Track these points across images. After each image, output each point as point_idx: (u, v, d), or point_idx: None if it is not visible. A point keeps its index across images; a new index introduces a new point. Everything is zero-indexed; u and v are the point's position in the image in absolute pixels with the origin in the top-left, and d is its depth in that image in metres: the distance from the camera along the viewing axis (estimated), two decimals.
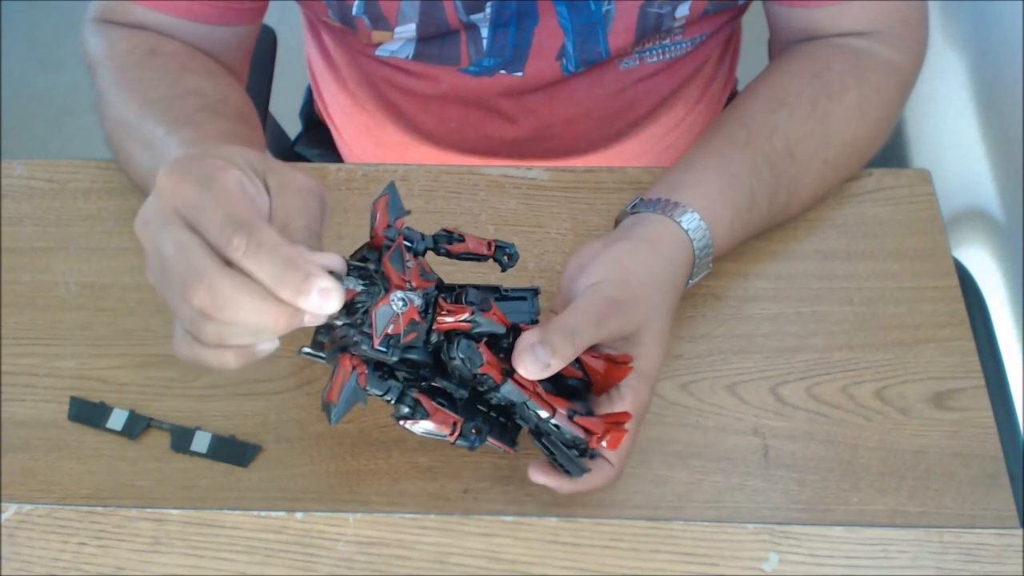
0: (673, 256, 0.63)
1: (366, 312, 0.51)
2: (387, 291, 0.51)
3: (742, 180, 0.67)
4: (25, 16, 2.06)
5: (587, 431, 0.54)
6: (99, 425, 0.65)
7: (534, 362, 0.52)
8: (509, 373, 0.53)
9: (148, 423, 0.65)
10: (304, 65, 1.02)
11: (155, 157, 0.65)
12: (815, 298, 0.70)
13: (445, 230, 0.56)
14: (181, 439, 0.64)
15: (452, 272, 0.68)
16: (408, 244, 0.54)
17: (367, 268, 0.52)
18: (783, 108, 0.70)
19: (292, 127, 1.11)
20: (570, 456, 0.55)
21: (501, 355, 0.54)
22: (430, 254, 0.57)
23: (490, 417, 0.57)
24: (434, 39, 0.79)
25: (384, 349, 0.51)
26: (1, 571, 0.57)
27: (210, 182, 0.49)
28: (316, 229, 0.51)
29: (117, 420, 0.65)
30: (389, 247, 0.52)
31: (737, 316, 0.69)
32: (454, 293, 0.55)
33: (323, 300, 0.47)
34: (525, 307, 0.56)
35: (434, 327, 0.53)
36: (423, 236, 0.55)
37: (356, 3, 0.75)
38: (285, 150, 1.08)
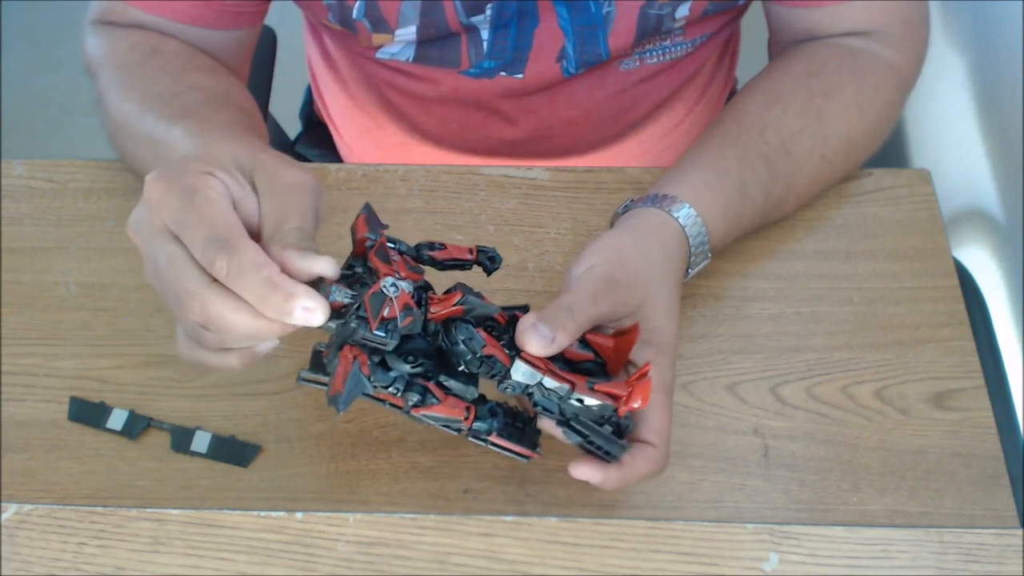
0: (666, 242, 0.63)
1: (360, 305, 0.51)
2: (377, 281, 0.51)
3: (731, 172, 0.67)
4: (25, 16, 2.06)
5: (613, 397, 0.53)
6: (99, 425, 0.65)
7: (539, 338, 0.52)
8: (516, 354, 0.53)
9: (148, 423, 0.65)
10: (304, 65, 1.02)
11: (158, 152, 0.65)
12: (815, 298, 0.70)
13: (426, 241, 0.57)
14: (181, 439, 0.64)
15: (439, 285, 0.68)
16: (391, 244, 0.54)
17: (355, 273, 0.53)
18: (777, 105, 0.70)
19: (292, 127, 1.11)
20: (605, 434, 0.54)
21: (507, 350, 0.54)
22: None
23: (505, 422, 0.56)
24: (434, 41, 0.79)
25: (382, 333, 0.50)
26: (1, 571, 0.57)
27: (192, 195, 0.50)
28: (309, 227, 0.52)
29: (117, 420, 0.65)
30: (372, 247, 0.53)
31: (737, 316, 0.69)
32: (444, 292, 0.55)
33: (307, 316, 0.48)
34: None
35: (428, 317, 0.53)
36: (404, 243, 0.56)
37: (357, 5, 0.75)
38: (285, 150, 1.08)
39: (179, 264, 0.49)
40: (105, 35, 0.75)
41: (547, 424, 0.55)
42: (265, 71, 1.06)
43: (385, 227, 0.55)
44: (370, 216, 0.55)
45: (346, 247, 0.55)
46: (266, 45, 1.07)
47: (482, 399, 0.56)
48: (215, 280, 0.48)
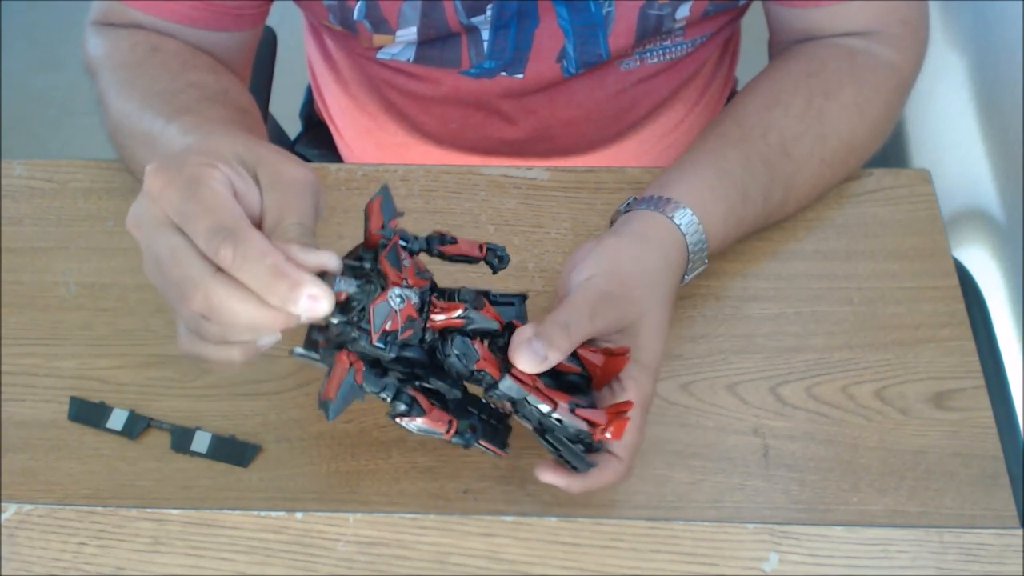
0: (665, 250, 0.63)
1: (363, 310, 0.51)
2: (384, 288, 0.51)
3: (734, 176, 0.67)
4: (25, 16, 2.06)
5: (590, 423, 0.54)
6: (99, 425, 0.65)
7: (531, 356, 0.52)
8: (507, 369, 0.53)
9: (148, 423, 0.65)
10: (304, 65, 1.02)
11: (155, 149, 0.65)
12: (815, 298, 0.70)
13: (438, 232, 0.57)
14: (181, 439, 0.64)
15: (441, 277, 0.68)
16: (403, 244, 0.54)
17: (363, 267, 0.53)
18: (778, 106, 0.70)
19: (292, 127, 1.11)
20: (575, 451, 0.55)
21: (498, 354, 0.54)
22: (423, 255, 0.57)
23: (481, 419, 0.57)
24: (435, 42, 0.79)
25: (382, 345, 0.51)
26: (1, 571, 0.57)
27: (195, 185, 0.49)
28: (309, 223, 0.52)
29: (117, 420, 0.65)
30: (385, 246, 0.53)
31: (737, 316, 0.69)
32: (447, 293, 0.55)
33: (312, 305, 0.48)
34: (513, 312, 0.56)
35: (428, 325, 0.53)
36: (416, 237, 0.56)
37: (358, 7, 0.75)
38: (285, 150, 1.08)
39: (182, 255, 0.49)
40: (105, 35, 0.75)
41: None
42: (265, 71, 1.06)
43: (400, 214, 0.55)
44: (386, 200, 0.55)
45: (346, 247, 0.55)
46: (266, 45, 1.07)
47: (464, 401, 0.56)
48: (219, 270, 0.48)
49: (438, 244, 0.56)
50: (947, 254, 0.71)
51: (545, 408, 0.53)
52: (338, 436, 0.64)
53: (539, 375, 0.54)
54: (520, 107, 0.84)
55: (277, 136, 1.10)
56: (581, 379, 0.57)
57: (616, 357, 0.56)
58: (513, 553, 0.57)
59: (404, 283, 0.51)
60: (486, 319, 0.54)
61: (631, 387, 0.57)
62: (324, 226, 0.73)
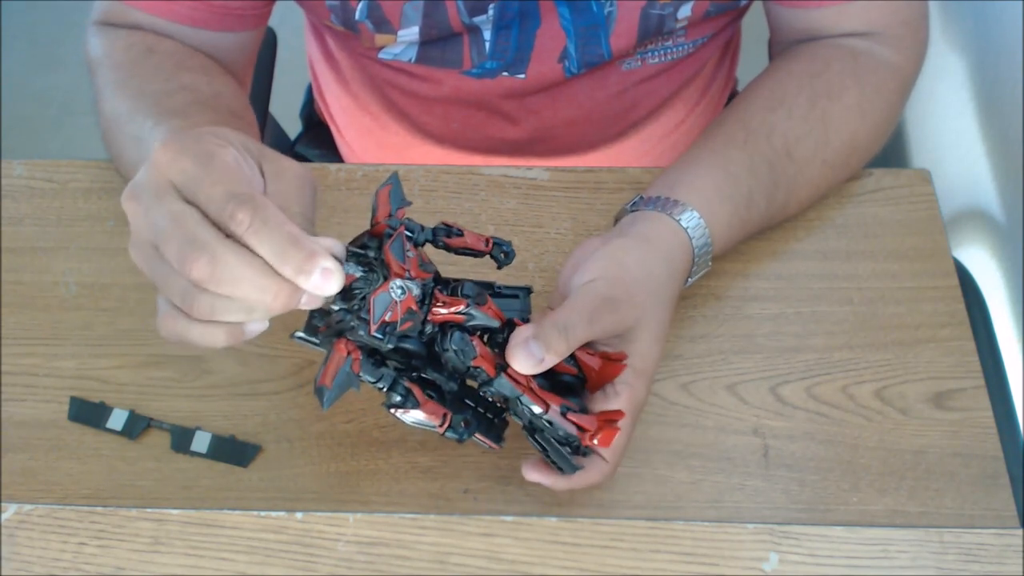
0: (671, 254, 0.63)
1: (364, 298, 0.51)
2: (386, 279, 0.51)
3: (740, 179, 0.67)
4: (25, 16, 2.06)
5: (580, 428, 0.54)
6: (99, 425, 0.65)
7: (528, 357, 0.52)
8: (503, 367, 0.53)
9: (148, 423, 0.65)
10: (304, 65, 1.02)
11: (142, 150, 0.65)
12: (815, 298, 0.70)
13: (445, 224, 0.57)
14: (181, 439, 0.64)
15: (446, 268, 0.68)
16: (409, 234, 0.54)
17: (367, 255, 0.53)
18: (781, 108, 0.70)
19: (292, 127, 1.11)
20: (563, 453, 0.55)
21: (496, 350, 0.54)
22: (428, 247, 0.57)
23: (477, 412, 0.57)
24: (436, 42, 0.79)
25: (380, 336, 0.51)
26: (1, 571, 0.57)
27: (209, 157, 0.49)
28: (311, 216, 0.52)
29: (117, 420, 0.65)
30: (391, 235, 0.53)
31: (737, 316, 0.69)
32: (450, 286, 0.55)
33: (325, 280, 0.47)
34: (517, 305, 0.56)
35: (428, 318, 0.53)
36: (422, 228, 0.56)
37: (360, 7, 0.75)
38: (285, 150, 1.08)
39: (188, 220, 0.47)
40: (104, 35, 0.75)
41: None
42: (265, 71, 1.06)
43: (408, 203, 0.55)
44: (395, 189, 0.54)
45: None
46: (267, 45, 1.07)
47: (460, 393, 0.56)
48: (227, 238, 0.47)
49: (444, 236, 0.56)
50: (947, 254, 0.71)
51: (537, 409, 0.53)
52: (338, 436, 0.64)
53: (534, 375, 0.54)
54: (522, 107, 0.84)
55: (277, 136, 1.10)
56: (576, 380, 0.57)
57: (613, 362, 0.56)
58: (513, 553, 0.57)
59: (407, 274, 0.51)
60: (487, 317, 0.54)
61: (625, 392, 0.57)
62: (324, 226, 0.73)
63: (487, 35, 0.77)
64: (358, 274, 0.51)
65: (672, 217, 0.64)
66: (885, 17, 0.74)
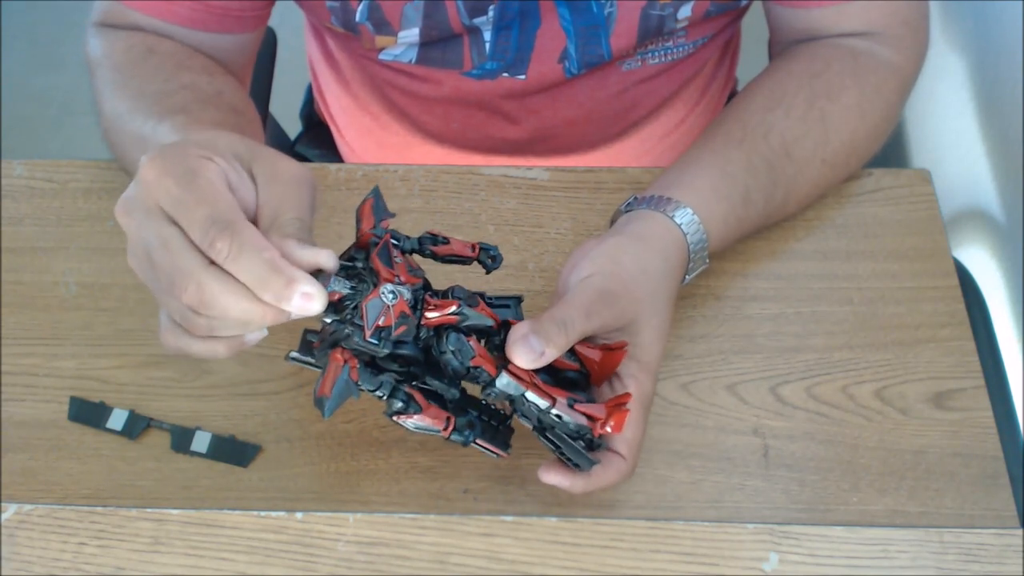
0: (666, 250, 0.63)
1: (356, 308, 0.51)
2: (376, 286, 0.51)
3: (736, 177, 0.67)
4: (25, 16, 2.06)
5: (590, 418, 0.54)
6: (99, 425, 0.65)
7: (528, 351, 0.52)
8: (503, 366, 0.53)
9: (148, 423, 0.65)
10: (304, 65, 1.02)
11: (145, 149, 0.65)
12: (815, 298, 0.70)
13: (430, 232, 0.57)
14: (181, 439, 0.64)
15: (436, 278, 0.68)
16: (395, 242, 0.54)
17: (355, 267, 0.53)
18: (780, 107, 0.70)
19: (292, 127, 1.11)
20: (577, 448, 0.55)
21: (495, 352, 0.54)
22: (416, 257, 0.57)
23: (480, 420, 0.57)
24: (437, 43, 0.79)
25: (376, 341, 0.51)
26: (1, 571, 0.57)
27: (192, 176, 0.49)
28: (307, 219, 0.52)
29: (117, 420, 0.65)
30: (376, 244, 0.53)
31: (737, 316, 0.69)
32: (441, 292, 0.55)
33: (305, 303, 0.48)
34: (509, 314, 0.56)
35: (422, 322, 0.53)
36: (408, 237, 0.56)
37: (360, 8, 0.75)
38: (285, 150, 1.08)
39: (174, 245, 0.49)
40: (104, 36, 0.75)
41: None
42: (265, 71, 1.06)
43: (391, 215, 0.55)
44: (377, 202, 0.55)
45: (346, 247, 0.55)
46: (266, 45, 1.07)
47: (463, 401, 0.56)
48: (212, 263, 0.48)
49: (430, 244, 0.56)
50: (947, 254, 0.71)
51: (543, 404, 0.53)
52: (338, 436, 0.64)
53: (536, 372, 0.54)
54: (522, 107, 0.84)
55: (277, 136, 1.10)
56: (579, 376, 0.57)
57: (613, 352, 0.56)
58: (513, 553, 0.57)
59: (396, 280, 0.51)
60: (481, 316, 0.54)
61: (631, 384, 0.57)
62: (324, 226, 0.73)
63: (487, 36, 0.77)
64: (345, 291, 0.51)
65: (666, 214, 0.64)
66: (885, 17, 0.74)
